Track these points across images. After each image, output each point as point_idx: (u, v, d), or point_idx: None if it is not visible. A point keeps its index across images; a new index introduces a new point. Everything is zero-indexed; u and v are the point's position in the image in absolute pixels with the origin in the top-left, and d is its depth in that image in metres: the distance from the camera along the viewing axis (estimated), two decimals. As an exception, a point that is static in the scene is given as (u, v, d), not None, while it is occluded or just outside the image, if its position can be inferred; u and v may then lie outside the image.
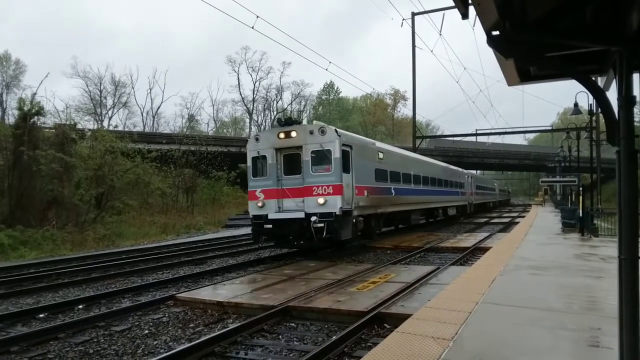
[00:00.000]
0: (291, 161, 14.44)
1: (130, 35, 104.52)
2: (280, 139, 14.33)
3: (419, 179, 22.76)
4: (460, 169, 35.59)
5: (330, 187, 13.48)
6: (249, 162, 15.12)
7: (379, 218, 17.58)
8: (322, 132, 13.68)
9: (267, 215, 14.10)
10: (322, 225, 13.11)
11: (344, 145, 13.96)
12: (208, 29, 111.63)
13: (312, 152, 13.84)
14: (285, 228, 13.82)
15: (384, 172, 17.73)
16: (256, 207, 14.42)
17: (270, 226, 14.01)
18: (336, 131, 13.86)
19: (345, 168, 13.96)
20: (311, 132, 13.83)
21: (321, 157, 13.79)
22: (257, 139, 15.00)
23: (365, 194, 15.37)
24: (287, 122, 14.86)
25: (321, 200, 13.41)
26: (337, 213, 13.25)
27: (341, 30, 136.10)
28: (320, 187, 13.58)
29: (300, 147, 14.02)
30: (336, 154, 13.56)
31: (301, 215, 13.57)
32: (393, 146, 24.38)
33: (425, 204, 23.85)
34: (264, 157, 14.62)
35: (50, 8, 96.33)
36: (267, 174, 14.55)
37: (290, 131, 14.21)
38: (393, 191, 18.46)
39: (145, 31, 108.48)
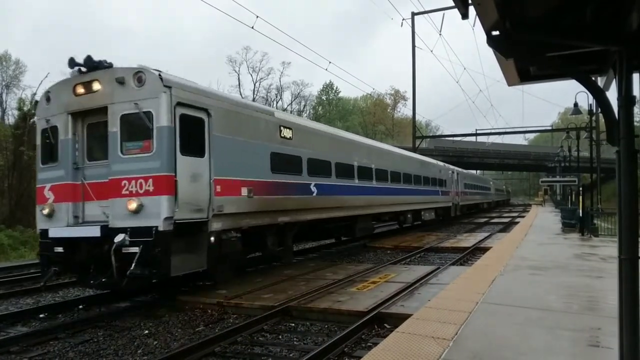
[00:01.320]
0: (98, 135, 8.69)
1: (130, 35, 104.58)
2: (77, 95, 8.55)
3: (370, 173, 16.87)
4: (441, 163, 29.63)
5: (150, 181, 7.79)
6: (38, 139, 9.31)
7: (284, 231, 11.95)
8: (139, 80, 7.99)
9: (49, 232, 8.43)
10: (134, 250, 7.55)
11: (182, 105, 8.24)
12: (208, 29, 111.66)
13: (122, 117, 8.13)
14: (83, 254, 8.18)
15: (295, 159, 12.02)
16: (42, 216, 8.76)
17: (60, 249, 8.32)
18: (161, 78, 7.97)
19: (188, 146, 8.33)
20: (121, 82, 8.06)
21: (137, 126, 8.10)
22: (48, 99, 9.07)
23: (246, 193, 9.83)
24: (86, 64, 8.45)
25: (133, 204, 7.74)
26: (162, 228, 7.64)
27: (348, 32, 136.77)
28: (132, 181, 7.89)
29: (106, 109, 8.30)
30: (162, 120, 7.87)
31: (95, 232, 7.87)
32: (325, 125, 17.92)
33: (381, 207, 18.13)
34: (56, 128, 8.87)
35: (50, 8, 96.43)
36: (59, 158, 8.84)
37: (92, 81, 8.38)
38: (314, 189, 12.81)
39: (145, 31, 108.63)
